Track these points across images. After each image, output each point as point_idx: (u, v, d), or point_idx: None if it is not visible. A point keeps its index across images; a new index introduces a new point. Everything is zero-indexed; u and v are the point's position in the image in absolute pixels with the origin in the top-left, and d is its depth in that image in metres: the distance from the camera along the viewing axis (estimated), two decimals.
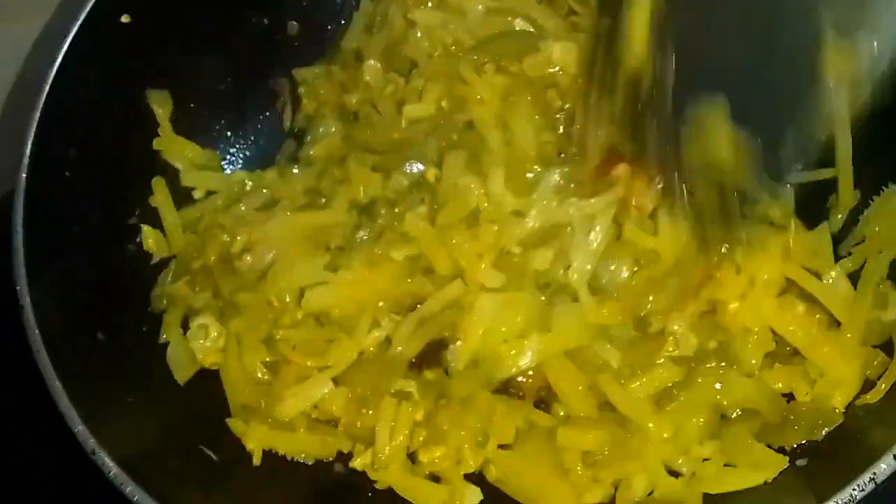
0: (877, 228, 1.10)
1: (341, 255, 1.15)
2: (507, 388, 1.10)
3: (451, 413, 1.07)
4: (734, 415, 1.05)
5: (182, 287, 1.21)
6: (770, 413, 1.02)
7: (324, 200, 1.23)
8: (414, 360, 1.11)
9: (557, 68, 1.18)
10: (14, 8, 1.50)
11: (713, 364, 1.05)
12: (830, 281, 1.07)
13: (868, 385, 1.02)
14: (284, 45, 1.43)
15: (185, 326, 1.20)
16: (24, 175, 1.14)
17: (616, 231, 1.09)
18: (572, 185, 1.11)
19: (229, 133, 1.40)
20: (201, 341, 1.17)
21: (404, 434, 1.07)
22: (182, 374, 1.17)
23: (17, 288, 1.08)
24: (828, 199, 1.15)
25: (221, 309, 1.18)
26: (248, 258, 1.18)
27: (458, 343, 1.08)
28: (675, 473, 1.04)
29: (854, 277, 1.08)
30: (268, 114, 1.42)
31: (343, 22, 1.42)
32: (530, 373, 1.09)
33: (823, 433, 1.00)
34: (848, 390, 1.02)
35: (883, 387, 1.00)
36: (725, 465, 1.03)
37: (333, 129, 1.32)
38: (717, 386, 1.03)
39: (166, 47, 1.32)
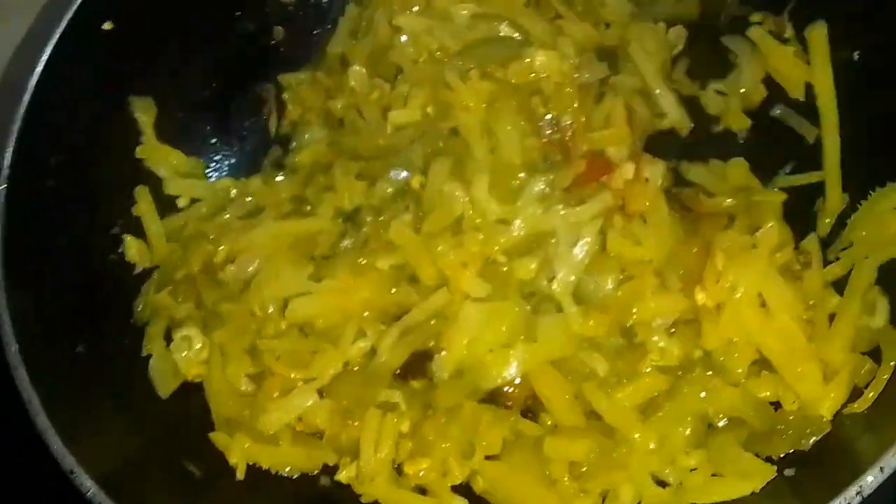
0: (864, 233, 1.09)
1: (326, 265, 1.14)
2: (493, 398, 1.09)
3: (436, 424, 1.07)
4: (721, 424, 1.04)
5: (165, 297, 1.20)
6: (757, 422, 1.02)
7: (309, 208, 1.23)
8: (399, 371, 1.10)
9: (543, 74, 1.17)
10: None
11: (699, 373, 1.04)
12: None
13: (856, 393, 1.01)
14: (270, 51, 1.42)
15: (167, 338, 1.19)
16: (3, 185, 1.13)
17: (601, 241, 1.08)
18: (557, 193, 1.10)
19: (214, 140, 1.39)
20: (185, 353, 1.16)
21: (389, 446, 1.07)
22: (165, 388, 1.16)
23: None
24: (815, 203, 1.15)
25: (205, 320, 1.17)
26: (232, 268, 1.17)
27: (443, 353, 1.08)
28: (662, 483, 1.03)
29: (842, 283, 1.07)
30: (254, 120, 1.41)
31: (329, 27, 1.41)
32: (517, 382, 1.08)
33: (811, 442, 1.00)
34: (835, 399, 1.01)
35: (871, 395, 0.99)
36: (713, 474, 1.02)
37: (318, 136, 1.31)
38: (703, 395, 1.03)
39: (150, 54, 1.31)
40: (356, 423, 1.08)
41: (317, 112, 1.34)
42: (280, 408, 1.10)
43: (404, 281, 1.12)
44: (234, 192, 1.31)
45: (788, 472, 0.99)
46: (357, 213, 1.18)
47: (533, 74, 1.18)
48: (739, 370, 1.03)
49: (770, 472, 0.99)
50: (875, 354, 1.02)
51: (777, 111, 1.22)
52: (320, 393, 1.11)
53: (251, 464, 1.10)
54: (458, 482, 1.06)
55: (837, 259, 1.10)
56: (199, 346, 1.16)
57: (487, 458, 1.06)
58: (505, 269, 1.08)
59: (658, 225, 1.08)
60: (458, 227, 1.11)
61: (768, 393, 1.03)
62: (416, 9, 1.30)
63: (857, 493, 0.86)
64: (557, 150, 1.16)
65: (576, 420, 1.05)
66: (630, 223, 1.08)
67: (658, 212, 1.09)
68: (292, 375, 1.11)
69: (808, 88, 1.20)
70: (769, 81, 1.23)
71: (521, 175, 1.12)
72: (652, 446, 1.01)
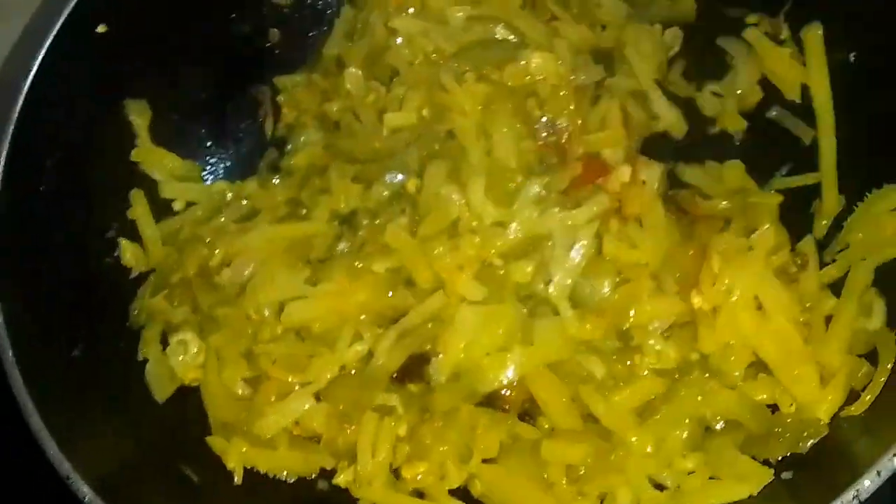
0: (860, 235, 1.09)
1: (322, 268, 1.14)
2: (490, 401, 1.09)
3: (434, 427, 1.06)
4: (718, 427, 1.04)
5: (161, 301, 1.20)
6: (754, 425, 1.02)
7: (304, 211, 1.22)
8: (396, 374, 1.10)
9: (539, 77, 1.17)
10: None
11: (696, 376, 1.04)
12: None
13: (853, 396, 1.01)
14: (266, 53, 1.41)
15: (163, 342, 1.18)
16: None
17: (598, 245, 1.08)
18: (553, 196, 1.10)
19: (210, 143, 1.39)
20: (181, 357, 1.16)
21: (387, 450, 1.07)
22: (162, 392, 1.15)
23: None
24: (811, 205, 1.15)
25: (201, 324, 1.17)
26: (227, 272, 1.17)
27: (440, 356, 1.07)
28: (659, 486, 1.03)
29: (838, 285, 1.07)
30: (249, 122, 1.41)
31: (325, 29, 1.41)
32: (515, 384, 1.08)
33: (808, 445, 1.00)
34: (832, 402, 1.01)
35: (868, 398, 0.99)
36: (710, 477, 1.02)
37: (314, 138, 1.31)
38: (700, 398, 1.03)
39: (145, 56, 1.30)
40: (353, 427, 1.08)
41: (312, 114, 1.34)
42: (277, 412, 1.10)
43: (401, 284, 1.11)
44: (229, 195, 1.31)
45: (786, 475, 0.99)
46: (353, 216, 1.18)
47: (528, 77, 1.17)
48: (736, 373, 1.03)
49: (767, 475, 0.99)
50: (872, 357, 1.02)
51: (773, 113, 1.23)
52: (317, 397, 1.11)
53: (248, 468, 1.10)
54: (455, 486, 1.06)
55: (834, 261, 1.10)
56: (195, 350, 1.16)
57: (485, 461, 1.06)
58: (501, 272, 1.08)
59: (654, 228, 1.08)
60: (454, 230, 1.11)
61: (765, 396, 1.03)
62: (411, 11, 1.30)
63: (855, 497, 0.86)
64: (553, 153, 1.16)
65: (573, 423, 1.05)
66: (626, 226, 1.08)
67: (654, 215, 1.09)
68: (289, 379, 1.11)
69: (805, 90, 1.20)
70: (765, 83, 1.24)
71: (518, 178, 1.12)
72: (649, 449, 1.01)
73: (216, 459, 1.11)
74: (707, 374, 1.04)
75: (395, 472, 1.07)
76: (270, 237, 1.19)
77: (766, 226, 1.08)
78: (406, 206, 1.15)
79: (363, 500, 1.07)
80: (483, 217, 1.10)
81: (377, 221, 1.15)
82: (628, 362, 1.06)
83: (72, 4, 1.21)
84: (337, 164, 1.23)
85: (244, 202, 1.27)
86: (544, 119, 1.16)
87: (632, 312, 1.05)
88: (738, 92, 1.24)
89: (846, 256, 1.09)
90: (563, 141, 1.16)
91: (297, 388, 1.11)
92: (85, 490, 0.95)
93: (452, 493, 1.06)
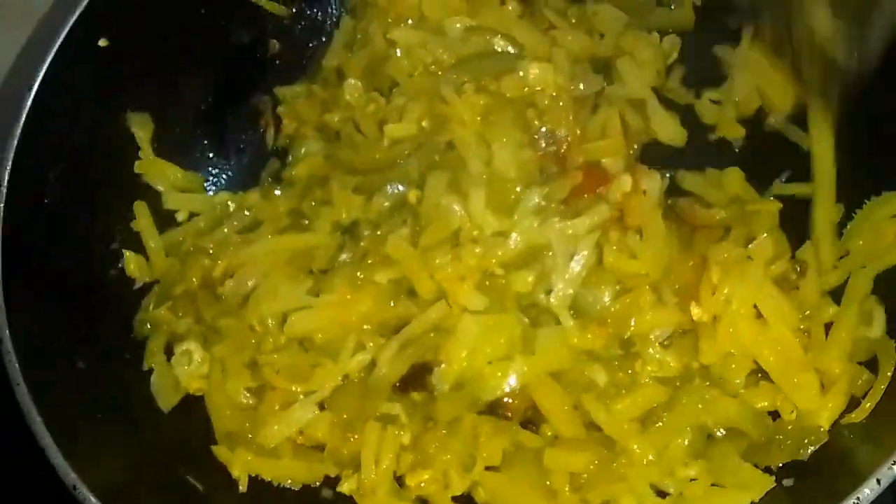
0: (860, 242, 1.10)
1: (324, 279, 1.15)
2: (493, 410, 1.09)
3: (437, 436, 1.07)
4: (720, 434, 1.04)
5: (165, 313, 1.20)
6: (755, 432, 1.02)
7: (306, 222, 1.23)
8: (399, 383, 1.10)
9: (537, 87, 1.17)
10: None
11: (697, 384, 1.04)
12: None
13: (853, 403, 1.02)
14: (266, 64, 1.42)
15: (168, 353, 1.19)
16: (1, 203, 1.13)
17: (598, 255, 1.08)
18: (553, 205, 1.10)
19: (211, 154, 1.40)
20: (185, 367, 1.16)
21: (390, 458, 1.07)
22: (167, 402, 1.16)
23: None
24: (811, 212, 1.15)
25: (205, 334, 1.18)
26: (230, 283, 1.17)
27: (443, 365, 1.08)
28: (662, 494, 1.03)
29: (838, 292, 1.08)
30: (251, 133, 1.41)
31: (324, 40, 1.41)
32: (517, 393, 1.08)
33: (809, 452, 1.00)
34: (833, 409, 1.02)
35: (868, 405, 1.00)
36: (712, 485, 1.02)
37: (315, 149, 1.31)
38: (701, 406, 1.03)
39: (146, 69, 1.31)
40: (357, 436, 1.09)
41: (313, 125, 1.34)
42: (281, 421, 1.10)
43: (403, 294, 1.12)
44: (232, 205, 1.31)
45: (787, 482, 1.00)
46: (354, 226, 1.19)
47: (527, 88, 1.18)
48: (737, 381, 1.04)
49: (769, 482, 0.99)
50: (872, 364, 1.02)
51: (772, 120, 1.23)
52: (321, 406, 1.11)
53: (253, 476, 1.11)
54: (458, 494, 1.07)
55: (834, 268, 1.10)
56: (199, 360, 1.16)
57: (488, 469, 1.06)
58: (502, 282, 1.09)
59: (654, 238, 1.08)
60: (455, 240, 1.11)
61: (766, 403, 1.04)
62: (410, 22, 1.31)
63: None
64: (553, 163, 1.16)
65: (575, 431, 1.05)
66: (626, 237, 1.08)
67: (654, 225, 1.09)
68: (293, 389, 1.11)
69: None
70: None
71: (518, 188, 1.12)
72: (651, 457, 1.01)
73: (221, 468, 1.11)
74: (708, 383, 1.05)
75: (399, 480, 1.08)
76: (273, 248, 1.20)
77: (765, 235, 1.08)
78: (407, 216, 1.15)
79: None
80: (484, 227, 1.11)
81: (379, 232, 1.15)
82: (630, 370, 1.06)
83: (74, 17, 1.22)
84: (338, 174, 1.23)
85: (246, 213, 1.28)
86: (544, 129, 1.17)
87: (632, 322, 1.05)
88: (737, 99, 1.24)
89: (846, 264, 1.10)
90: (563, 150, 1.17)
91: (300, 397, 1.11)
92: (91, 500, 0.95)
93: (456, 500, 1.07)
